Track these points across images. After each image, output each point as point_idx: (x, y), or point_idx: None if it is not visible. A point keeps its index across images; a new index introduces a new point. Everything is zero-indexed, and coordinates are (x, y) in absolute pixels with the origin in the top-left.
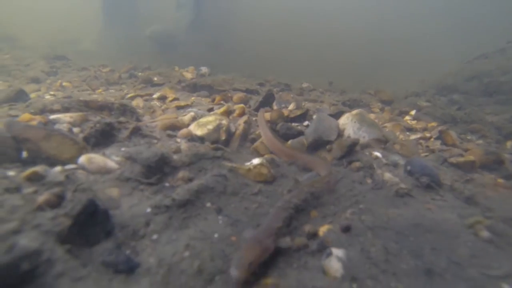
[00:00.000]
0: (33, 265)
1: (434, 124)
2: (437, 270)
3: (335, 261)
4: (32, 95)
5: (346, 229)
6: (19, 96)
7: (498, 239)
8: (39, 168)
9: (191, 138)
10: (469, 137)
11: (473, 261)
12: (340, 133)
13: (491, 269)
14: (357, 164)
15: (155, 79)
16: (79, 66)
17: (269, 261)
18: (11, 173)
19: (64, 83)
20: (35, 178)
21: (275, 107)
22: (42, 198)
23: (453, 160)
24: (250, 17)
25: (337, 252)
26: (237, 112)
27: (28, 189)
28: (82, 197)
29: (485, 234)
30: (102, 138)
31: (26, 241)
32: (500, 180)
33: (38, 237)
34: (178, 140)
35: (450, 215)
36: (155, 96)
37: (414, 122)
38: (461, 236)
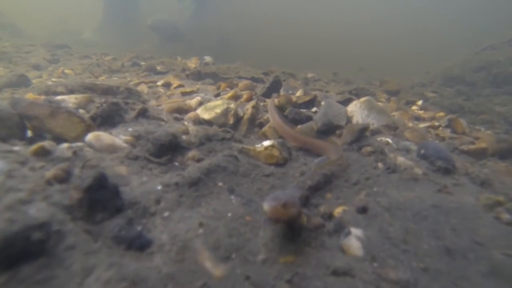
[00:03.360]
0: (43, 236)
1: (442, 114)
2: (459, 250)
3: (354, 240)
4: (34, 81)
5: (363, 210)
6: (21, 81)
7: None
8: (46, 144)
9: (198, 121)
10: (477, 127)
11: (495, 242)
12: (348, 120)
13: None
14: (368, 148)
15: (158, 67)
16: (80, 54)
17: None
18: (17, 148)
19: (66, 71)
20: (42, 153)
21: (282, 93)
22: (50, 173)
23: (464, 147)
24: (254, 10)
25: (355, 231)
26: (244, 97)
27: (36, 164)
28: (90, 173)
29: (506, 216)
30: (109, 118)
31: (36, 212)
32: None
33: (48, 209)
34: (185, 123)
35: (468, 197)
36: (159, 83)
37: (421, 111)
38: (481, 218)
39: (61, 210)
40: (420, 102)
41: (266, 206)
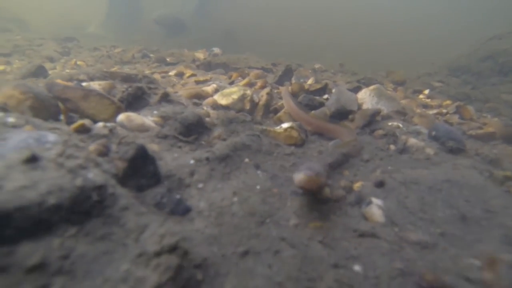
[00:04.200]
0: (101, 197)
1: (449, 102)
2: (473, 218)
3: (376, 208)
4: (50, 72)
5: (380, 184)
6: (40, 72)
7: None
8: (86, 121)
9: (216, 107)
10: (484, 115)
11: (506, 211)
12: (359, 107)
13: None
14: (380, 132)
15: (168, 59)
16: (90, 47)
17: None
18: (59, 126)
19: (78, 62)
20: (82, 130)
21: (294, 81)
22: (92, 147)
23: (472, 132)
24: (258, 1)
25: (376, 201)
26: (258, 84)
27: (80, 139)
28: (131, 145)
29: None
30: (134, 102)
31: (94, 176)
32: None
33: (102, 174)
34: (204, 107)
35: (479, 174)
36: (171, 73)
37: (428, 100)
38: (493, 191)
39: (111, 177)
40: (427, 91)
41: (301, 175)
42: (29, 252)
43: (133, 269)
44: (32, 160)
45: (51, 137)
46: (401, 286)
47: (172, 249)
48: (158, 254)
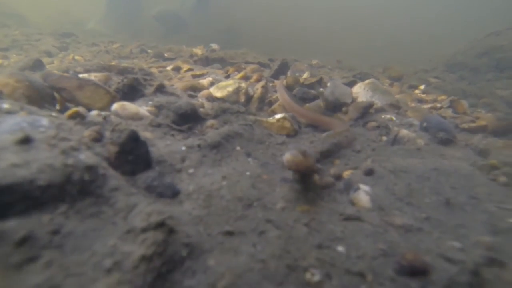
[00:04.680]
0: (92, 177)
1: (444, 97)
2: (458, 204)
3: (363, 194)
4: (47, 66)
5: (369, 172)
6: (37, 65)
7: None
8: (80, 109)
9: (211, 99)
10: (479, 110)
11: (490, 197)
12: (354, 100)
13: (507, 204)
14: (373, 123)
15: (166, 54)
16: (88, 42)
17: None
18: (54, 113)
19: (76, 57)
20: (76, 117)
21: (289, 75)
22: (86, 133)
23: (465, 125)
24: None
25: (364, 187)
26: (254, 78)
27: (74, 124)
28: (124, 130)
29: (502, 179)
30: (130, 92)
31: (85, 157)
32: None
33: (94, 156)
34: (200, 99)
35: (467, 164)
36: (168, 68)
37: (423, 95)
38: (479, 179)
39: (103, 160)
40: (422, 87)
41: (288, 154)
42: (19, 226)
43: (120, 244)
44: (25, 141)
45: (45, 121)
46: (382, 265)
47: (159, 226)
48: (144, 230)
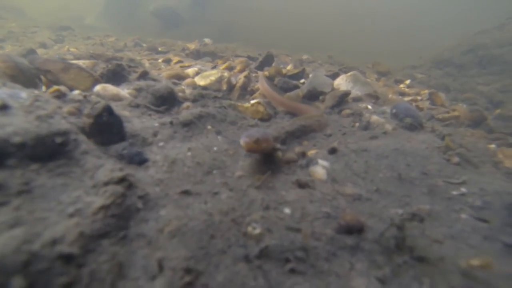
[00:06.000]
0: (64, 141)
1: (426, 91)
2: (408, 178)
3: (320, 168)
4: None
5: (332, 151)
6: (30, 54)
7: (465, 163)
8: (62, 87)
9: (195, 87)
10: (460, 104)
11: (439, 173)
12: (333, 90)
13: (453, 179)
14: (348, 111)
15: (160, 48)
16: (84, 35)
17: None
18: (37, 92)
19: (71, 49)
20: (58, 95)
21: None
22: (65, 109)
23: (439, 116)
24: None
25: (322, 162)
26: (238, 68)
27: (54, 102)
28: (99, 104)
29: (455, 159)
30: (114, 77)
31: (58, 123)
32: (479, 131)
33: (67, 124)
34: (182, 87)
35: (426, 146)
36: (160, 60)
37: (407, 89)
38: (434, 159)
39: (77, 129)
40: (408, 81)
41: (241, 141)
42: None
43: (84, 195)
44: (3, 108)
45: (24, 94)
46: (323, 225)
47: (119, 181)
48: (106, 184)
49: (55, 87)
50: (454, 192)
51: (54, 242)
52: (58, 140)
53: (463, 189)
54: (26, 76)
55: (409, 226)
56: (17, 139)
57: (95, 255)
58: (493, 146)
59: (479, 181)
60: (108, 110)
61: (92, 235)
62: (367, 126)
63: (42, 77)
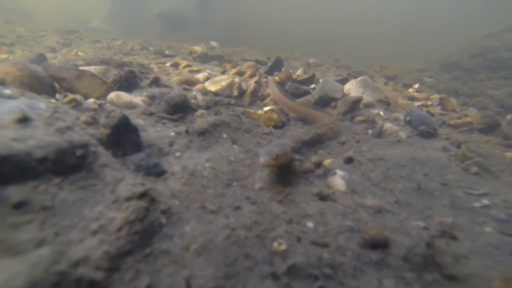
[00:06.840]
0: (84, 154)
1: (436, 96)
2: (428, 189)
3: (339, 179)
4: (50, 61)
5: (349, 160)
6: (40, 60)
7: (484, 173)
8: (77, 96)
9: (205, 93)
10: (470, 109)
11: (459, 184)
12: (344, 95)
13: (473, 190)
14: (360, 118)
15: (166, 51)
16: (91, 39)
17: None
18: (53, 100)
19: (79, 53)
20: (74, 103)
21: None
22: (82, 118)
23: (451, 122)
24: None
25: (340, 172)
26: (248, 73)
27: (73, 113)
28: (116, 115)
29: (474, 168)
30: (126, 84)
31: (78, 136)
32: (494, 138)
33: (86, 136)
34: (193, 92)
35: (443, 154)
36: (167, 64)
37: (416, 93)
38: (452, 168)
39: (95, 140)
40: (416, 86)
41: (261, 159)
42: (16, 192)
43: (106, 211)
44: (24, 120)
45: (43, 104)
46: (347, 239)
47: (142, 196)
48: (128, 199)
49: (71, 96)
50: (476, 204)
51: (78, 262)
52: (79, 152)
53: (485, 201)
54: (41, 83)
55: (438, 242)
56: (39, 153)
57: (120, 274)
58: (510, 154)
59: (500, 191)
60: (125, 121)
61: (116, 254)
62: (380, 133)
63: (56, 84)
